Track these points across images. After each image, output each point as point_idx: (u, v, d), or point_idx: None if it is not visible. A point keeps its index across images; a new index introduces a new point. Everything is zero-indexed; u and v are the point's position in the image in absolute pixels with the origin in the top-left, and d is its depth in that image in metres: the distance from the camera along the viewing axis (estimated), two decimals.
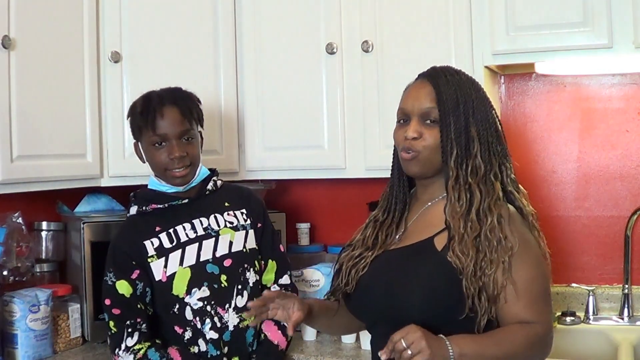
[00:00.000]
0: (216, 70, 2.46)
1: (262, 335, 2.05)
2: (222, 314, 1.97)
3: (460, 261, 1.45)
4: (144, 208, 2.03)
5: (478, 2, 2.22)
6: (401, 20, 2.31)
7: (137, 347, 1.92)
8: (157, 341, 1.96)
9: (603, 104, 2.47)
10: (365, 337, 2.23)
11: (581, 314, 2.40)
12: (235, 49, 2.51)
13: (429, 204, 1.61)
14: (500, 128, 1.58)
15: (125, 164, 2.38)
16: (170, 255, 1.97)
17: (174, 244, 1.98)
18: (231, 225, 2.05)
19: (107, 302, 1.95)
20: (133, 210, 2.05)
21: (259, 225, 2.11)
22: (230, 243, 2.02)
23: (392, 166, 1.67)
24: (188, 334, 1.96)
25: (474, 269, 1.45)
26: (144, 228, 2.01)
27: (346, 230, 2.77)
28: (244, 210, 2.09)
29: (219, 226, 2.03)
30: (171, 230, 2.00)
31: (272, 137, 2.50)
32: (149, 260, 1.97)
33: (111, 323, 1.94)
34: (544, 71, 2.45)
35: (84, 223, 2.31)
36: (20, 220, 2.26)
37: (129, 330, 1.92)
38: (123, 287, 1.94)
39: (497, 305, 1.46)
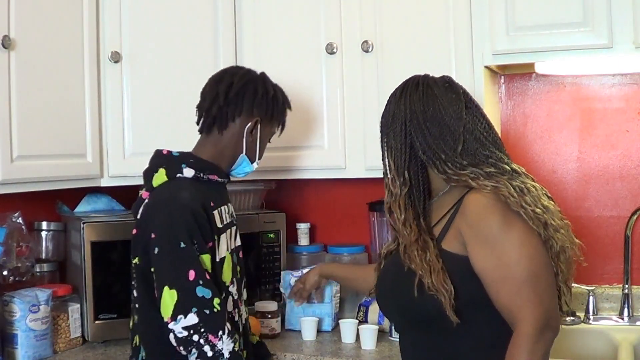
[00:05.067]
0: (216, 70, 2.44)
1: (257, 338, 2.07)
2: (240, 307, 1.89)
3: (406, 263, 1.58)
4: (201, 175, 1.82)
5: (478, 2, 2.22)
6: (401, 20, 2.31)
7: (236, 336, 1.71)
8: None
9: (603, 104, 2.47)
10: (365, 337, 2.23)
11: (581, 314, 2.40)
12: (235, 49, 2.50)
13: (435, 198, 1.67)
14: (426, 125, 1.58)
15: (125, 164, 2.38)
16: (222, 236, 1.81)
17: (224, 224, 1.83)
18: (234, 218, 2.01)
19: (206, 275, 1.68)
20: (189, 173, 1.80)
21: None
22: (237, 235, 1.97)
23: None
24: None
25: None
26: (206, 196, 1.79)
27: (346, 230, 2.82)
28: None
29: (234, 216, 1.98)
30: (221, 209, 1.84)
31: (272, 137, 2.49)
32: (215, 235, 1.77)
33: (216, 300, 1.66)
34: (544, 71, 2.45)
35: (84, 223, 2.31)
36: (20, 220, 2.26)
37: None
38: (207, 262, 1.71)
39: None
